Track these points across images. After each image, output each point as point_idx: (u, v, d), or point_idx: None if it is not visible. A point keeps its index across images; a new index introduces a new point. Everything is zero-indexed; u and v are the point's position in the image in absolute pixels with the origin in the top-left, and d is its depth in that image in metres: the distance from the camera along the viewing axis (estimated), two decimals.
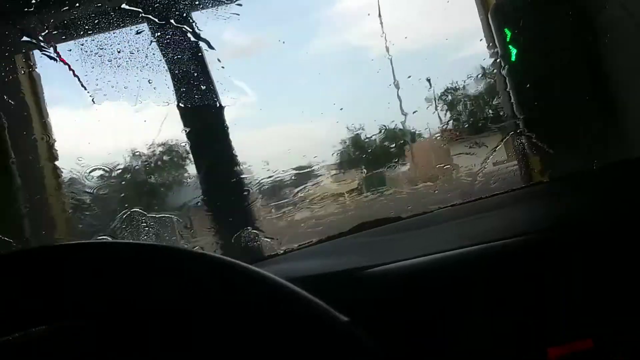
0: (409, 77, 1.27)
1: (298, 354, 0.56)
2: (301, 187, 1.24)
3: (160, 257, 0.60)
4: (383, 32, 1.26)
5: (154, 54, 1.09)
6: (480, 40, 1.30)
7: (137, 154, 1.17)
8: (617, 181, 1.12)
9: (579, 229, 1.01)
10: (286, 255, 1.11)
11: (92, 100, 1.07)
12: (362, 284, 0.98)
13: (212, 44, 1.11)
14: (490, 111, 1.31)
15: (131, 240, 1.06)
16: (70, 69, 1.04)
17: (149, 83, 1.10)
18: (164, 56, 1.09)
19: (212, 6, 1.11)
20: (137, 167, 1.17)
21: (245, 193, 1.18)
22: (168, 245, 0.60)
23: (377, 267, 0.99)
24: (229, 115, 1.17)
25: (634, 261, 0.95)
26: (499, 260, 0.99)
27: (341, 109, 1.22)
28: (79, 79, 1.04)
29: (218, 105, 1.14)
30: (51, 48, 1.02)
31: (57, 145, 1.10)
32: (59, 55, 1.02)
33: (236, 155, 1.17)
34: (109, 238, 1.08)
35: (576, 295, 0.95)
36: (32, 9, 0.99)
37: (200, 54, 1.12)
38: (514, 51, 1.29)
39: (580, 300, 0.95)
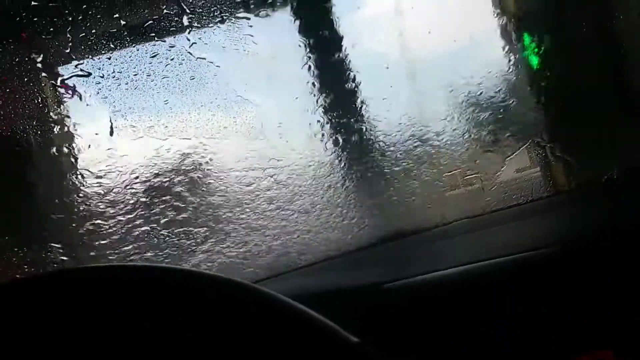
0: (429, 83, 1.26)
1: None
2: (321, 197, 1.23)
3: (169, 279, 0.59)
4: (402, 38, 1.26)
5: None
6: (502, 47, 1.28)
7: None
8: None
9: (599, 241, 0.99)
10: (297, 271, 1.10)
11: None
12: (380, 299, 0.97)
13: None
14: (512, 118, 1.29)
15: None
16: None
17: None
18: None
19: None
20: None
21: None
22: (176, 267, 0.60)
23: (396, 282, 0.99)
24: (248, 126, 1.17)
25: None
26: (519, 273, 0.98)
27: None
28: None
29: None
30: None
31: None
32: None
33: None
34: None
35: (596, 306, 0.94)
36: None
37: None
38: (535, 58, 1.27)
39: (601, 311, 0.93)
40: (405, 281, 0.99)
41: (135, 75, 1.10)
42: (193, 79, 1.13)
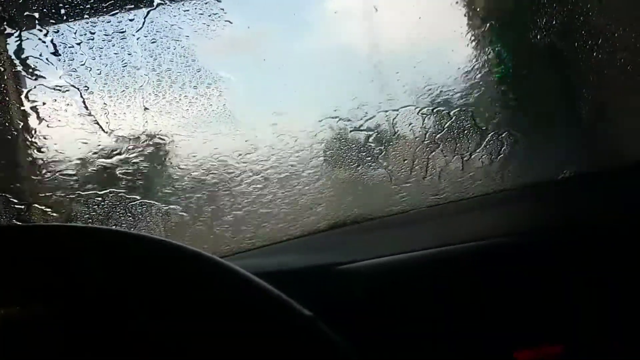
0: (398, 79, 1.28)
1: (261, 347, 0.56)
2: (286, 182, 1.24)
3: (129, 244, 0.59)
4: (373, 33, 1.27)
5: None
6: (469, 45, 1.30)
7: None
8: (595, 188, 1.13)
9: (554, 235, 1.02)
10: (261, 249, 1.11)
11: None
12: (336, 280, 0.99)
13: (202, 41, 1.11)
14: (476, 115, 1.32)
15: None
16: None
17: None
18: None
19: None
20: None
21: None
22: (140, 234, 0.60)
23: (351, 264, 1.00)
24: (212, 108, 1.16)
25: (608, 269, 0.96)
26: (471, 262, 1.00)
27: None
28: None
29: None
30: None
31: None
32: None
33: None
34: None
35: (549, 301, 0.96)
36: None
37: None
38: (497, 59, 1.30)
39: (554, 305, 0.96)
40: (359, 264, 1.00)
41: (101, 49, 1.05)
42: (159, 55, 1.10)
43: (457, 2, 1.27)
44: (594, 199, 1.08)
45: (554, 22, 1.21)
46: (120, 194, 1.11)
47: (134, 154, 1.14)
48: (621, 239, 0.98)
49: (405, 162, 1.26)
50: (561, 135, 1.27)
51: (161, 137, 1.14)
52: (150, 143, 1.15)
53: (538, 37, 1.23)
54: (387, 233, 1.14)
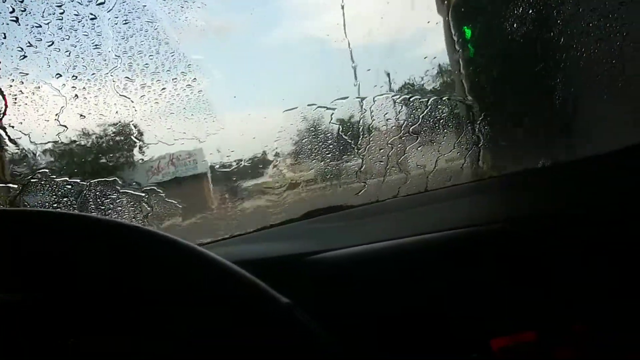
0: (369, 70, 1.27)
1: (239, 334, 0.55)
2: (260, 170, 1.23)
3: (105, 232, 0.58)
4: (345, 25, 1.26)
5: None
6: (440, 37, 1.31)
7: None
8: (563, 179, 1.15)
9: (525, 223, 1.03)
10: (237, 238, 1.10)
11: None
12: (309, 269, 0.98)
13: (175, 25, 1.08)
14: (446, 107, 1.32)
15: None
16: None
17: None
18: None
19: None
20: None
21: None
22: (116, 221, 0.59)
23: (325, 253, 0.99)
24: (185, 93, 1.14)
25: (579, 257, 0.97)
26: (444, 251, 1.00)
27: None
28: None
29: None
30: None
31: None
32: None
33: None
34: None
35: (522, 289, 0.97)
36: None
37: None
38: (471, 49, 1.31)
39: (527, 293, 0.97)
40: (333, 252, 1.00)
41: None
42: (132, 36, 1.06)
43: None
44: (570, 188, 1.09)
45: (529, 12, 1.22)
46: (90, 181, 1.08)
47: (106, 140, 1.11)
48: (593, 226, 1.00)
49: (381, 151, 1.26)
50: (537, 126, 1.28)
51: (132, 122, 1.12)
52: (122, 128, 1.12)
53: (512, 28, 1.24)
54: (361, 222, 1.13)
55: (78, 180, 1.08)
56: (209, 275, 0.58)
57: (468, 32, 1.31)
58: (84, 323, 0.59)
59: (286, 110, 1.23)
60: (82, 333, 0.59)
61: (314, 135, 1.26)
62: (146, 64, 1.06)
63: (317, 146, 1.26)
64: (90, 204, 1.10)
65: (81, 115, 1.06)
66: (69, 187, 1.08)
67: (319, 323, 0.56)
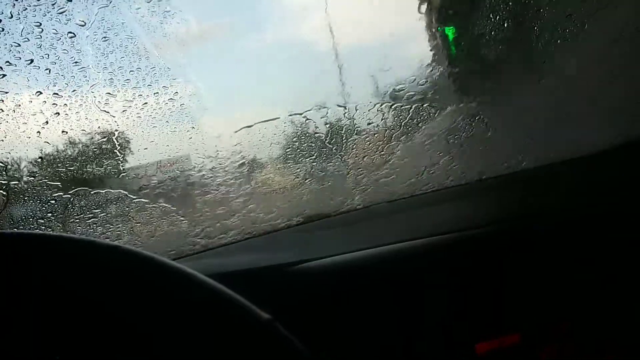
0: (352, 75, 1.28)
1: (217, 351, 0.55)
2: (244, 179, 1.23)
3: (77, 249, 0.58)
4: (330, 27, 1.27)
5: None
6: (424, 38, 1.31)
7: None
8: (549, 181, 1.16)
9: (509, 228, 1.04)
10: (218, 249, 1.10)
11: None
12: (292, 280, 0.98)
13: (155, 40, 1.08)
14: (434, 110, 1.33)
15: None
16: None
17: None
18: None
19: None
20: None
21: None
22: (88, 238, 0.59)
23: (308, 263, 0.99)
24: (167, 106, 1.14)
25: (563, 260, 0.98)
26: (428, 257, 1.01)
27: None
28: None
29: None
30: None
31: None
32: None
33: None
34: None
35: (505, 292, 0.98)
36: None
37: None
38: (453, 50, 1.31)
39: (509, 296, 0.98)
40: (313, 263, 1.00)
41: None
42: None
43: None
44: (551, 190, 1.10)
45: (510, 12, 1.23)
46: (68, 195, 1.08)
47: (87, 155, 1.11)
48: (575, 227, 1.01)
49: (365, 158, 1.27)
50: (519, 128, 1.29)
51: (115, 136, 1.12)
52: (104, 143, 1.12)
53: (493, 32, 1.25)
54: (346, 229, 1.14)
55: (61, 194, 1.08)
56: (184, 291, 0.57)
57: (450, 34, 1.32)
58: (68, 340, 0.59)
59: (268, 120, 1.23)
60: (68, 351, 0.59)
61: (297, 142, 1.27)
62: (127, 79, 1.06)
63: (300, 154, 1.27)
64: (75, 216, 1.10)
65: (63, 131, 1.05)
66: (53, 200, 1.08)
67: (301, 338, 0.55)
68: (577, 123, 1.22)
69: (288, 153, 1.27)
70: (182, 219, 1.15)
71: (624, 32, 1.14)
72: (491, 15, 1.24)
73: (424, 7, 1.29)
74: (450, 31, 1.32)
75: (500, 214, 1.09)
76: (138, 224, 1.13)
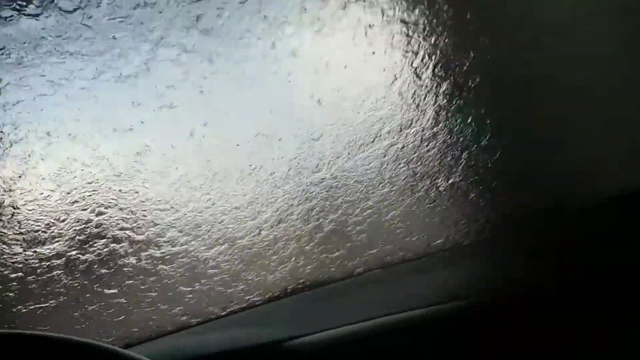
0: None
1: None
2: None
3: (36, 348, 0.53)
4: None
5: None
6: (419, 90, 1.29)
7: None
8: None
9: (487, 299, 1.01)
10: (203, 325, 1.02)
11: None
12: (287, 357, 0.93)
13: None
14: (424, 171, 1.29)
15: None
16: None
17: None
18: None
19: None
20: None
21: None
22: (43, 334, 0.53)
23: (299, 339, 0.94)
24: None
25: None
26: (420, 329, 0.97)
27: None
28: None
29: None
30: None
31: None
32: None
33: None
34: None
35: None
36: None
37: None
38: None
39: None
40: (309, 338, 0.95)
41: None
42: None
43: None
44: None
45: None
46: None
47: None
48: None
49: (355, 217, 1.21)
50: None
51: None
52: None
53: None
54: (337, 301, 1.08)
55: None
56: None
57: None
58: None
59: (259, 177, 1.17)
60: None
61: (284, 197, 1.21)
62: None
63: (285, 212, 1.20)
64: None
65: None
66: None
67: None
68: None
69: (272, 212, 1.21)
70: (156, 294, 1.07)
71: None
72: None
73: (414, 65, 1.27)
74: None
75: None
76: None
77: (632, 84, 1.08)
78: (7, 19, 0.72)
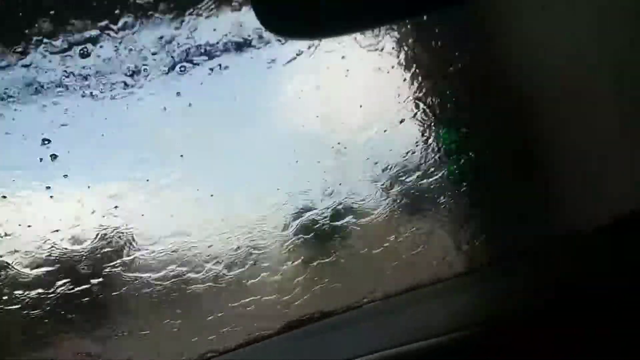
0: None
1: None
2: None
3: None
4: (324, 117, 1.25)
5: None
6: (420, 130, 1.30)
7: None
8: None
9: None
10: None
11: None
12: None
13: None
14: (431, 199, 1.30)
15: None
16: None
17: None
18: None
19: None
20: None
21: None
22: None
23: None
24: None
25: None
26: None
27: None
28: None
29: None
30: None
31: None
32: None
33: None
34: None
35: None
36: None
37: None
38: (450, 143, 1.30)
39: None
40: None
41: None
42: None
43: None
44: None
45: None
46: None
47: None
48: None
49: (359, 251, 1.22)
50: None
51: None
52: None
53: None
54: (341, 334, 1.08)
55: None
56: None
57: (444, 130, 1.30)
58: None
59: (263, 209, 1.20)
60: None
61: (286, 237, 1.22)
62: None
63: (286, 251, 1.21)
64: None
65: None
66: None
67: None
68: None
69: (272, 250, 1.22)
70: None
71: None
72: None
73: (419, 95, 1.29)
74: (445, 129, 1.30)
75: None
76: None
77: None
78: None
